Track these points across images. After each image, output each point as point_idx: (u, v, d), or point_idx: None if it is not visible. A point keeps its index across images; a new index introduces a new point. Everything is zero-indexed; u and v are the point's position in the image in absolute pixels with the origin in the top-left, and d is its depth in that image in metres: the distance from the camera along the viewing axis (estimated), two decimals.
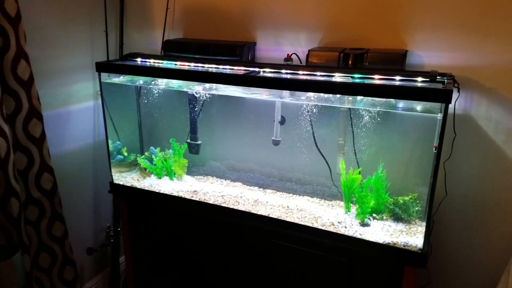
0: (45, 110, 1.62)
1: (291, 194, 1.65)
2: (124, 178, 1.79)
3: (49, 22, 1.68)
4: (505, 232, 1.50)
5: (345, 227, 1.40)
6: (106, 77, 1.68)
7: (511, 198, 1.46)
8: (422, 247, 1.27)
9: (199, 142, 1.77)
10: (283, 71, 1.46)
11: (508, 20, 1.34)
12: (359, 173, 1.46)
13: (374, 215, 1.45)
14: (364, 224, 1.41)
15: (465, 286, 1.62)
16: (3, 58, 1.43)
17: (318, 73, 1.39)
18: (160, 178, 1.78)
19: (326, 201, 1.60)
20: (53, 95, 1.74)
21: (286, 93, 1.51)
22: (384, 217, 1.45)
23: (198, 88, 1.66)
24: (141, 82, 1.77)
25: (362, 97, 1.39)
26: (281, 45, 1.68)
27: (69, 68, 1.79)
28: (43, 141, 1.61)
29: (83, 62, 1.85)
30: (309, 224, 1.42)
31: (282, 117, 1.59)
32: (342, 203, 1.54)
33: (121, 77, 1.73)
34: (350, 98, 1.43)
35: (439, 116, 1.23)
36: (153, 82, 1.74)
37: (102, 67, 1.62)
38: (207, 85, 1.63)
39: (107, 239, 2.04)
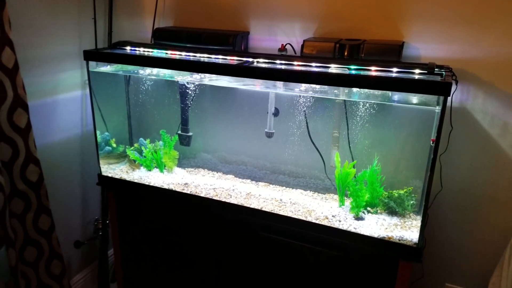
0: (30, 100, 1.56)
1: (284, 187, 1.63)
2: (112, 170, 1.75)
3: (35, 8, 1.61)
4: (499, 225, 1.50)
5: (339, 221, 1.38)
6: (94, 66, 1.63)
7: (506, 192, 1.46)
8: (417, 241, 1.26)
9: (190, 133, 1.72)
10: (278, 61, 1.42)
11: (506, 12, 1.32)
12: (354, 166, 1.43)
13: (368, 208, 1.43)
14: (358, 218, 1.39)
15: (459, 279, 1.62)
16: None
17: (313, 64, 1.36)
18: (150, 170, 1.74)
19: (319, 194, 1.58)
20: (39, 84, 1.68)
21: (280, 84, 1.48)
22: (379, 211, 1.44)
23: (189, 78, 1.61)
24: (130, 71, 1.71)
25: (357, 89, 1.36)
26: (275, 35, 1.64)
27: (56, 56, 1.73)
28: (29, 132, 1.55)
29: (71, 50, 1.80)
30: (303, 218, 1.40)
31: (276, 108, 1.56)
32: (336, 197, 1.52)
33: (110, 66, 1.68)
34: (346, 90, 1.40)
35: (437, 109, 1.21)
36: (142, 72, 1.69)
37: (90, 55, 1.57)
38: (199, 75, 1.58)
39: (95, 232, 2.01)
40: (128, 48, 1.63)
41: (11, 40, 1.42)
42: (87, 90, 1.81)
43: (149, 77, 1.72)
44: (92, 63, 1.60)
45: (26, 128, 1.54)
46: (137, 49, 1.61)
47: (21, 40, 1.54)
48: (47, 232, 1.70)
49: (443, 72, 1.28)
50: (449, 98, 1.15)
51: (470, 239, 1.55)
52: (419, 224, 1.30)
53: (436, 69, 1.28)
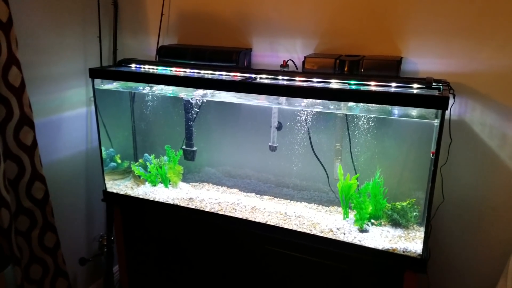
0: (36, 117, 1.58)
1: (288, 200, 1.65)
2: (117, 186, 1.76)
3: (42, 28, 1.65)
4: (501, 236, 1.51)
5: (344, 234, 1.40)
6: (100, 83, 1.65)
7: (507, 202, 1.48)
8: (421, 253, 1.28)
9: (194, 148, 1.75)
10: (280, 77, 1.46)
11: (500, 25, 1.36)
12: (357, 178, 1.46)
13: (372, 220, 1.45)
14: (362, 230, 1.41)
15: None
16: None
17: (314, 80, 1.40)
18: (154, 185, 1.76)
19: (324, 207, 1.60)
20: (45, 102, 1.70)
21: (282, 99, 1.51)
22: (383, 223, 1.45)
23: (193, 94, 1.65)
24: (135, 88, 1.74)
25: (358, 103, 1.39)
26: (277, 51, 1.68)
27: (62, 74, 1.76)
28: (35, 149, 1.57)
29: (76, 68, 1.82)
30: (308, 231, 1.41)
31: (279, 123, 1.59)
32: (340, 209, 1.54)
33: (115, 83, 1.71)
34: (347, 104, 1.44)
35: (436, 122, 1.24)
36: (147, 89, 1.72)
37: (95, 73, 1.60)
38: (203, 91, 1.61)
39: (100, 249, 2.00)
40: (133, 65, 1.66)
41: (18, 59, 1.45)
42: (92, 107, 1.84)
43: (153, 93, 1.75)
44: (97, 81, 1.62)
45: (32, 146, 1.55)
46: (142, 66, 1.65)
47: (28, 59, 1.57)
48: (52, 250, 1.70)
49: (441, 86, 1.32)
50: (447, 111, 1.18)
51: (473, 249, 1.57)
52: (423, 236, 1.32)
53: (433, 84, 1.31)
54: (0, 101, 1.44)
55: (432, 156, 1.25)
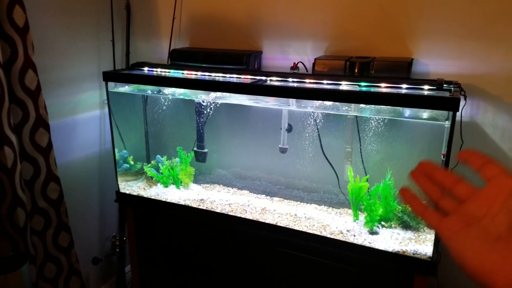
0: (52, 120, 1.62)
1: (298, 202, 1.65)
2: (130, 187, 1.79)
3: (57, 32, 1.69)
4: None
5: (354, 236, 1.40)
6: (113, 86, 1.68)
7: None
8: (431, 255, 1.27)
9: (205, 150, 1.77)
10: (290, 79, 1.47)
11: None
12: (367, 180, 1.46)
13: (382, 223, 1.45)
14: (373, 232, 1.41)
15: None
16: (11, 68, 1.43)
17: (324, 82, 1.40)
18: (166, 186, 1.78)
19: (334, 209, 1.60)
20: (60, 104, 1.74)
21: (292, 101, 1.52)
22: (393, 225, 1.45)
23: (204, 97, 1.67)
24: (148, 91, 1.77)
25: (369, 105, 1.40)
26: (287, 53, 1.69)
27: (76, 77, 1.80)
28: (50, 151, 1.60)
29: (90, 72, 1.86)
30: (318, 233, 1.42)
31: (289, 124, 1.60)
32: (350, 211, 1.54)
33: (127, 86, 1.74)
34: (357, 106, 1.44)
35: (447, 124, 1.24)
36: (159, 91, 1.74)
37: (109, 76, 1.63)
38: (214, 94, 1.64)
39: (113, 248, 2.03)
40: (145, 68, 1.69)
41: (34, 63, 1.49)
42: (105, 110, 1.87)
43: (165, 96, 1.78)
44: (110, 84, 1.65)
45: (47, 147, 1.59)
46: (154, 69, 1.67)
47: (43, 62, 1.60)
48: (66, 249, 1.73)
49: (452, 88, 1.31)
50: (458, 113, 1.17)
51: None
52: (433, 238, 1.32)
53: (444, 85, 1.31)
54: (17, 103, 1.48)
55: (443, 158, 1.25)
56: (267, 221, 1.49)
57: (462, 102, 1.41)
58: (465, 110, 1.44)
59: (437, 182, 0.50)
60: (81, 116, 1.85)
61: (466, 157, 0.47)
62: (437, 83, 1.30)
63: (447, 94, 1.25)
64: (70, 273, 1.77)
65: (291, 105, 1.53)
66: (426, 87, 1.30)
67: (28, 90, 1.49)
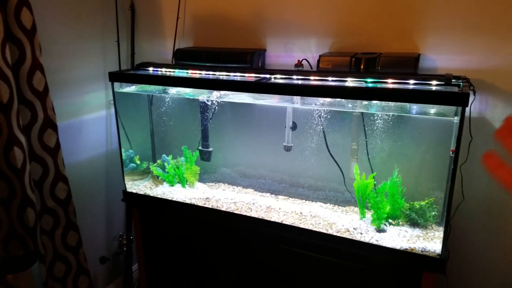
0: (59, 120, 1.64)
1: (303, 200, 1.64)
2: (137, 186, 1.80)
3: (63, 34, 1.71)
4: None
5: (361, 233, 1.38)
6: (119, 87, 1.70)
7: None
8: (440, 253, 1.25)
9: (210, 149, 1.77)
10: (294, 77, 1.46)
11: None
12: (373, 178, 1.44)
13: (390, 220, 1.43)
14: (380, 230, 1.39)
15: None
16: (19, 70, 1.45)
17: (330, 78, 1.39)
18: (172, 185, 1.79)
19: (340, 207, 1.58)
20: (67, 105, 1.76)
21: (297, 98, 1.51)
22: (400, 223, 1.43)
23: (209, 96, 1.67)
24: (153, 90, 1.78)
25: (375, 101, 1.38)
26: (291, 51, 1.68)
27: (83, 78, 1.82)
28: (58, 151, 1.62)
29: (96, 72, 1.88)
30: (324, 231, 1.41)
31: (294, 123, 1.59)
32: (356, 209, 1.53)
33: (133, 86, 1.75)
34: (363, 102, 1.43)
35: (456, 119, 1.21)
36: (164, 91, 1.75)
37: (115, 76, 1.64)
38: (218, 93, 1.63)
39: (120, 248, 2.05)
40: (151, 68, 1.70)
41: (42, 65, 1.51)
42: (112, 110, 1.89)
43: (171, 95, 1.78)
44: (116, 84, 1.67)
45: (55, 148, 1.61)
46: (159, 69, 1.68)
47: (50, 64, 1.62)
48: (74, 248, 1.75)
49: (461, 83, 1.29)
50: (467, 108, 1.15)
51: (494, 249, 1.52)
52: (442, 235, 1.29)
53: (453, 80, 1.28)
54: (25, 105, 1.50)
55: (452, 154, 1.22)
56: (272, 219, 1.49)
57: (471, 97, 1.39)
58: (474, 105, 1.41)
59: None
60: (88, 117, 1.87)
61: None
62: (445, 78, 1.28)
63: (456, 89, 1.23)
64: (79, 272, 1.78)
65: (296, 103, 1.52)
66: (434, 82, 1.28)
67: (36, 91, 1.51)
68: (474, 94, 1.39)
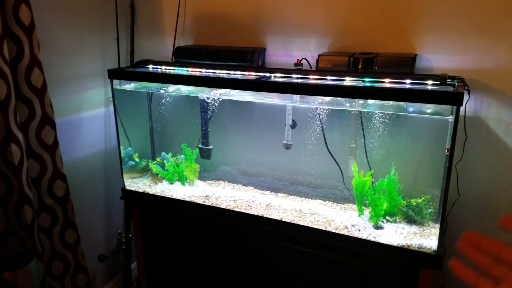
0: (57, 117, 1.62)
1: (303, 198, 1.66)
2: (136, 184, 1.80)
3: (62, 30, 1.70)
4: None
5: (359, 230, 1.41)
6: (118, 84, 1.69)
7: None
8: (436, 249, 1.28)
9: (210, 147, 1.78)
10: (294, 76, 1.48)
11: None
12: (371, 175, 1.46)
13: (387, 217, 1.46)
14: (377, 227, 1.42)
15: None
16: (17, 67, 1.44)
17: (328, 78, 1.41)
18: (172, 183, 1.79)
19: (338, 204, 1.61)
20: (65, 102, 1.75)
21: (296, 97, 1.53)
22: (398, 220, 1.46)
23: (209, 94, 1.68)
24: (152, 88, 1.78)
25: (372, 100, 1.40)
26: (290, 50, 1.69)
27: (81, 75, 1.81)
28: (56, 148, 1.61)
29: (95, 70, 1.87)
30: (323, 228, 1.43)
31: (293, 121, 1.61)
32: (354, 206, 1.55)
33: (132, 84, 1.75)
34: (361, 101, 1.45)
35: (451, 118, 1.24)
36: (163, 89, 1.75)
37: (114, 74, 1.64)
38: (218, 91, 1.64)
39: (119, 246, 2.04)
40: (150, 66, 1.70)
41: (40, 61, 1.50)
42: (110, 107, 1.88)
43: (170, 93, 1.79)
44: (115, 81, 1.66)
45: (53, 145, 1.60)
46: (159, 67, 1.68)
47: (49, 60, 1.61)
48: (73, 246, 1.74)
49: (455, 83, 1.32)
50: (462, 108, 1.18)
51: None
52: (438, 232, 1.32)
53: (448, 80, 1.31)
54: (23, 101, 1.49)
55: (447, 152, 1.25)
56: (272, 217, 1.50)
57: (466, 97, 1.42)
58: (469, 104, 1.45)
59: (484, 250, 0.51)
60: (87, 114, 1.86)
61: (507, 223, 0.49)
62: (441, 78, 1.31)
63: (451, 89, 1.26)
64: (77, 270, 1.78)
65: (295, 101, 1.54)
66: (429, 82, 1.31)
67: (34, 88, 1.50)
68: (469, 94, 1.43)
